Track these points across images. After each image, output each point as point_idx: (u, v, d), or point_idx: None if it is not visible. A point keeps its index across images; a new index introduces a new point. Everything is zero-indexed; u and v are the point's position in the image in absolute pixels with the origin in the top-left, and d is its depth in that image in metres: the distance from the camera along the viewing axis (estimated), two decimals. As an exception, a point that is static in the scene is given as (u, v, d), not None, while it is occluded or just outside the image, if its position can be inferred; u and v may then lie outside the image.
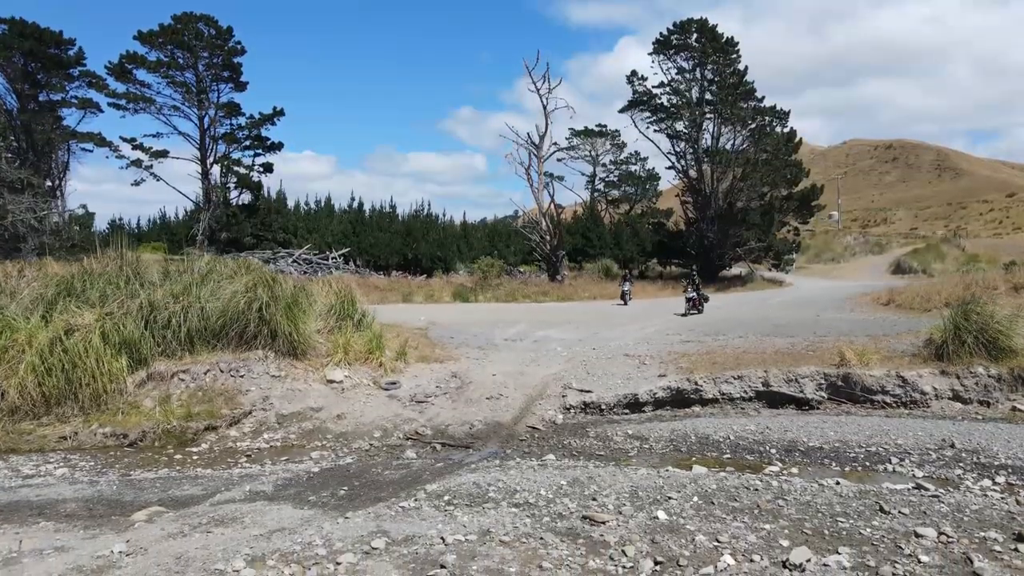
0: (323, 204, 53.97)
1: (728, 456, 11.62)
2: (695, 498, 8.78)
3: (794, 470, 10.59)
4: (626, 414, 14.24)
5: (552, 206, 40.10)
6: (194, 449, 12.53)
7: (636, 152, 65.75)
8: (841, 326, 19.89)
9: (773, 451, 11.66)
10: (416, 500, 8.89)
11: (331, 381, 14.59)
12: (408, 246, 47.93)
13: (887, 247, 60.67)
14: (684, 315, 24.11)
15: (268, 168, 47.44)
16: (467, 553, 7.07)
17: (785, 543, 7.42)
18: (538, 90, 39.23)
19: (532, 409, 14.10)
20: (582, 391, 14.53)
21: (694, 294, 24.90)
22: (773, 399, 14.40)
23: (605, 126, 65.04)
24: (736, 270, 43.84)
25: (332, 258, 43.74)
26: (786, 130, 39.57)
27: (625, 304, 28.09)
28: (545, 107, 39.44)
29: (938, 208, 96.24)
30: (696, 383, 14.52)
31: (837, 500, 8.77)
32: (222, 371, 14.28)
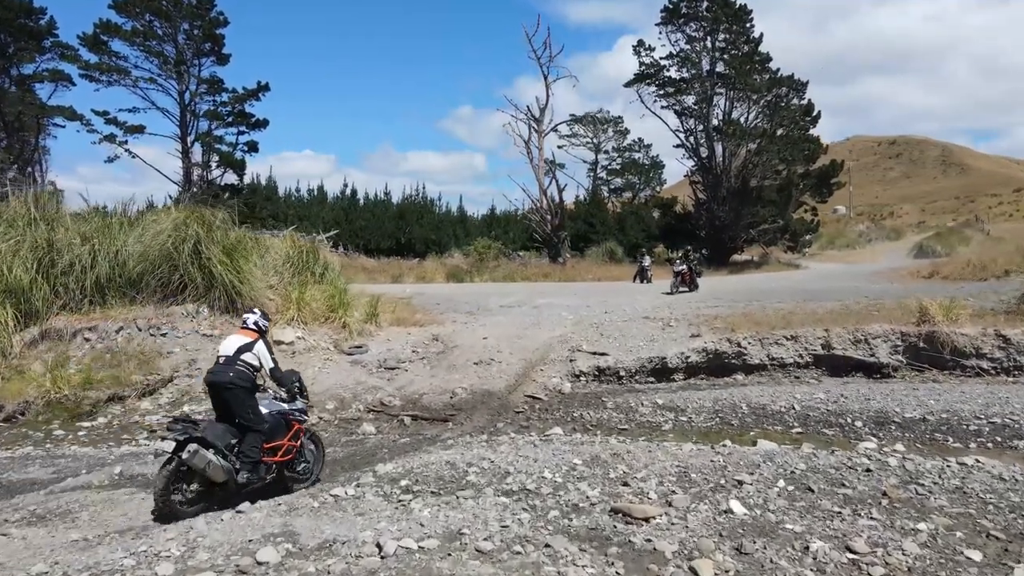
0: (316, 192, 50.87)
1: (799, 430, 8.40)
2: (781, 482, 5.59)
3: (899, 447, 7.38)
4: (651, 382, 11.02)
5: (555, 183, 36.82)
6: (86, 424, 9.31)
7: (639, 139, 62.34)
8: (892, 292, 16.66)
9: (859, 424, 8.43)
10: (358, 486, 5.72)
11: (279, 342, 11.38)
12: (401, 230, 44.65)
13: (903, 234, 57.40)
14: (671, 293, 19.21)
15: (253, 147, 44.03)
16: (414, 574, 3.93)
17: (973, 554, 4.23)
18: (538, 58, 35.89)
19: (532, 376, 10.89)
20: (595, 354, 11.32)
21: (684, 267, 20.15)
22: (836, 365, 11.17)
23: (608, 112, 61.89)
24: (747, 255, 40.50)
25: (319, 240, 40.39)
26: (803, 102, 36.38)
27: (643, 284, 24.25)
28: (546, 76, 36.06)
29: (945, 202, 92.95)
30: (739, 344, 11.29)
31: (1003, 485, 5.57)
32: (140, 329, 11.07)
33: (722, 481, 5.65)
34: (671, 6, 36.95)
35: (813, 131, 36.78)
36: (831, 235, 51.32)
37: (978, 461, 6.17)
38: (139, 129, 38.98)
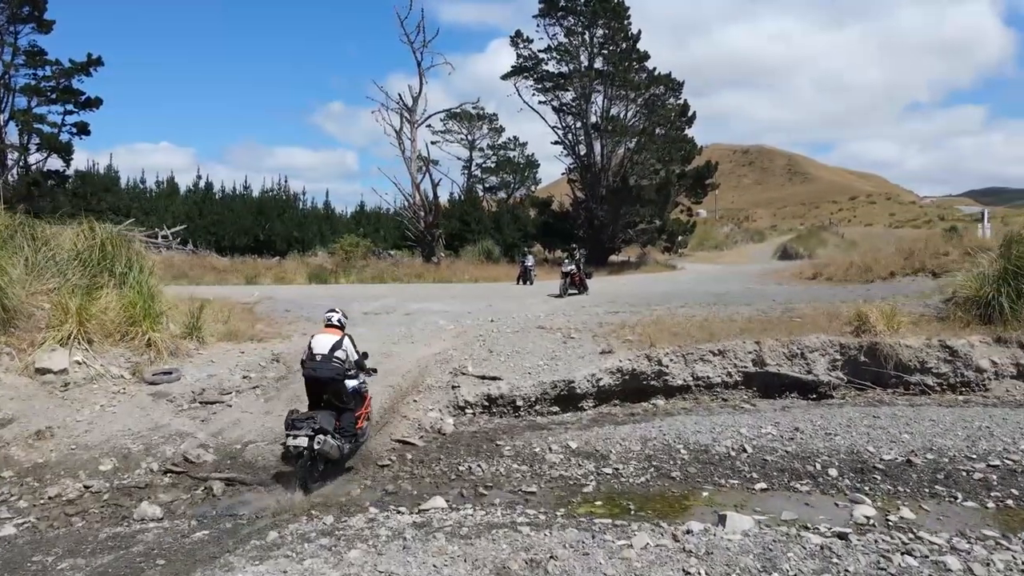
0: (165, 185, 45.03)
1: (762, 486, 6.20)
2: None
3: (906, 512, 5.37)
4: (555, 413, 8.62)
5: (428, 177, 33.91)
6: None
7: (515, 137, 60.55)
8: (796, 295, 15.29)
9: (833, 472, 6.37)
10: None
11: (42, 370, 7.98)
12: (260, 226, 40.23)
13: (766, 236, 59.19)
14: (560, 295, 17.23)
15: (84, 129, 37.91)
16: None
17: None
18: (411, 43, 32.73)
19: (402, 410, 8.17)
20: (484, 378, 8.75)
21: (572, 267, 17.99)
22: (769, 384, 9.27)
23: (483, 108, 59.60)
24: (624, 256, 39.49)
25: (163, 236, 35.41)
26: (679, 102, 35.72)
27: (526, 285, 21.79)
28: (419, 63, 33.01)
29: (793, 208, 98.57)
30: (660, 362, 9.11)
31: None
32: None
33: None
34: (549, -2, 35.13)
35: (688, 132, 36.16)
36: (700, 237, 51.76)
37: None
38: (-68, 102, 32.54)
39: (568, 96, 37.07)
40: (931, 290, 14.69)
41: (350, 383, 6.84)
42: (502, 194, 58.72)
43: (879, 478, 6.19)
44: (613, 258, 37.84)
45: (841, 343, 9.42)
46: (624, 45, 34.87)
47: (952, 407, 8.34)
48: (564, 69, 36.47)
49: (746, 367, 9.23)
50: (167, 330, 9.68)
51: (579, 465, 6.70)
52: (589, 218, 36.15)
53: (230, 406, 8.09)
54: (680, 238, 37.49)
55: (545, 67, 36.78)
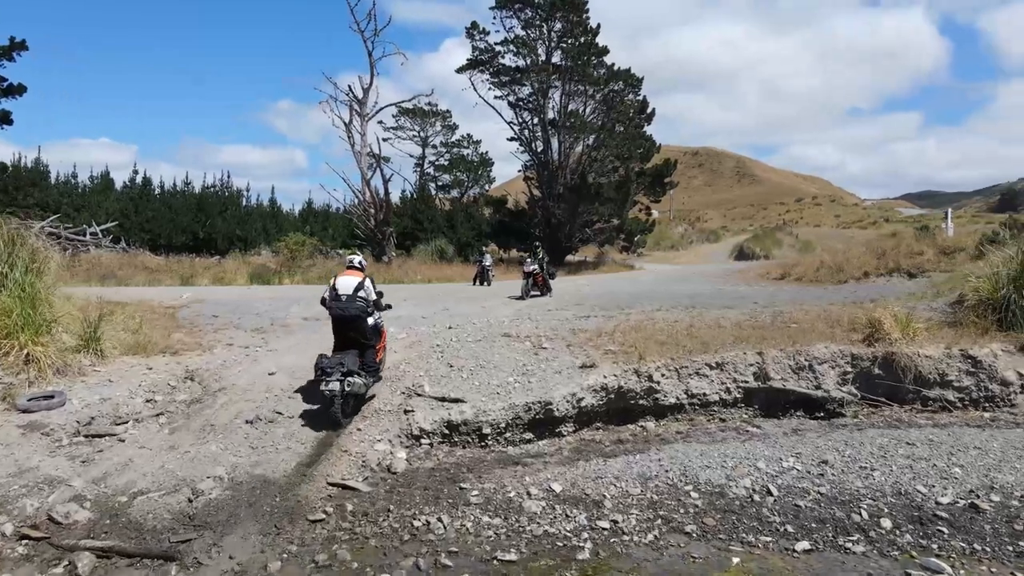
0: (99, 180, 41.92)
1: (805, 546, 4.83)
2: None
3: (1002, 586, 4.06)
4: (529, 441, 7.13)
5: (379, 172, 32.04)
6: None
7: (468, 135, 58.86)
8: (774, 297, 14.16)
9: (887, 523, 5.04)
10: None
11: None
12: (200, 223, 37.76)
13: (721, 236, 58.85)
14: (521, 297, 15.81)
15: (5, 118, 35.16)
16: None
17: None
18: (362, 31, 30.72)
19: (342, 443, 6.56)
20: (444, 401, 7.20)
21: (535, 267, 16.49)
22: (773, 401, 7.96)
23: (436, 105, 57.70)
24: (581, 256, 38.24)
25: (92, 233, 32.74)
26: (639, 98, 34.69)
27: (484, 286, 20.22)
28: (370, 52, 31.05)
29: (743, 209, 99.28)
30: (650, 378, 7.70)
31: None
32: None
33: None
34: (506, -12, 33.66)
35: (647, 129, 35.15)
36: (655, 237, 51.02)
37: None
38: None
39: (525, 91, 35.63)
40: (917, 290, 13.76)
41: (370, 320, 7.47)
42: (455, 192, 56.99)
43: (946, 531, 4.90)
44: (570, 258, 36.58)
45: (853, 353, 8.18)
46: (583, 39, 33.58)
47: (984, 427, 7.16)
48: (521, 63, 35.01)
49: (747, 382, 7.92)
50: (55, 343, 7.87)
51: (567, 516, 5.23)
52: (546, 216, 34.78)
53: (123, 440, 6.38)
54: (638, 237, 36.47)
55: (501, 60, 35.26)
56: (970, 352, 8.16)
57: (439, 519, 5.19)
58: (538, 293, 16.66)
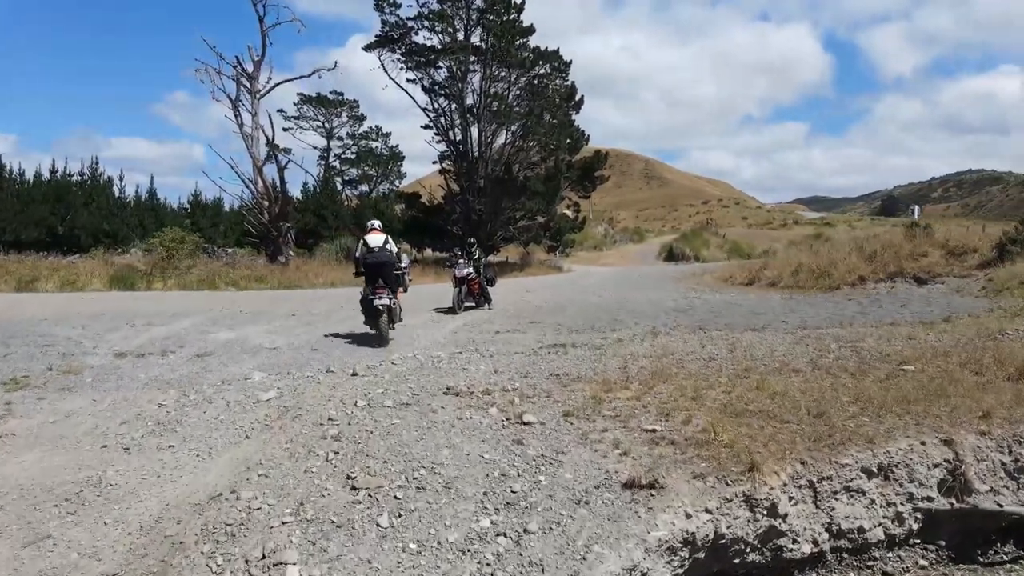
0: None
1: None
2: None
3: None
4: None
5: (275, 160, 26.94)
6: None
7: (377, 127, 53.80)
8: (788, 310, 10.65)
9: None
10: None
11: None
12: (58, 216, 31.45)
13: (644, 236, 56.40)
14: (452, 310, 12.13)
15: None
16: None
17: None
18: (250, -9, 25.93)
19: None
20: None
21: (469, 270, 12.67)
22: (971, 532, 4.21)
23: (342, 94, 52.32)
24: (503, 256, 34.34)
25: None
26: (567, 83, 31.19)
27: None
28: (262, 19, 25.90)
29: (654, 210, 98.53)
30: (773, 509, 3.73)
31: None
32: None
33: None
34: (421, -43, 29.22)
35: (575, 117, 31.61)
36: (578, 236, 47.86)
37: None
38: None
39: (441, 74, 31.22)
40: (946, 299, 10.66)
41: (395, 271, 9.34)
42: (364, 187, 51.89)
43: None
44: (492, 258, 32.59)
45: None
46: (506, 16, 29.65)
47: None
48: (437, 42, 30.70)
49: (931, 499, 4.12)
50: None
51: None
52: (465, 212, 30.53)
53: None
54: (567, 237, 32.94)
55: (415, 38, 30.79)
56: None
57: None
58: (473, 304, 12.62)
